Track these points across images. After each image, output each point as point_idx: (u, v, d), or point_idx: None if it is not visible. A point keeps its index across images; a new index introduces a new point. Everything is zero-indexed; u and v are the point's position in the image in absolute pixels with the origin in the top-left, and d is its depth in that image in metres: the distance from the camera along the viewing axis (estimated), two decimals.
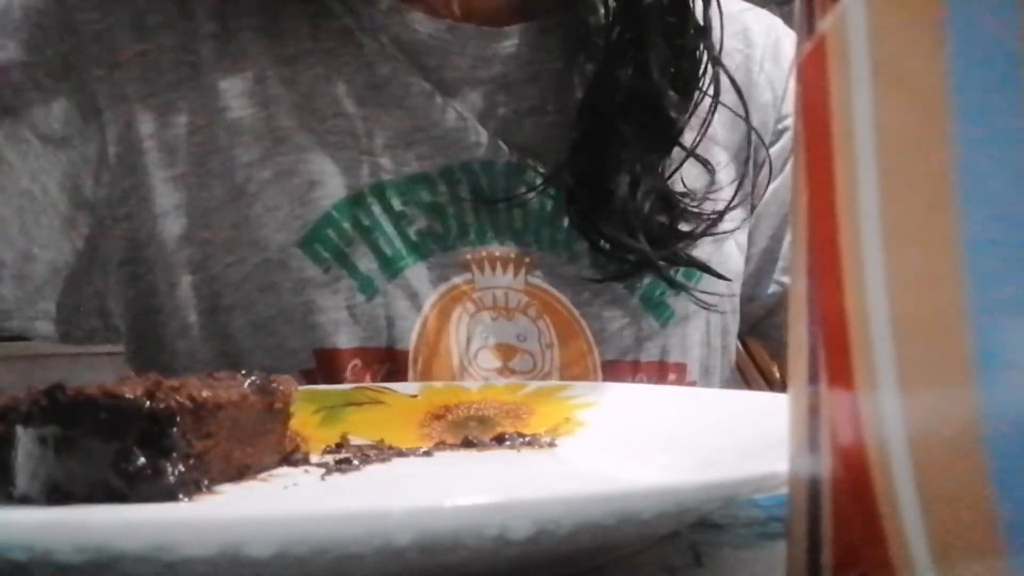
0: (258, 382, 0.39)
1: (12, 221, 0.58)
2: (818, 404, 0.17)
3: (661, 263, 0.60)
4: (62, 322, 0.61)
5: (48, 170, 0.58)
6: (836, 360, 0.17)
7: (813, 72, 0.17)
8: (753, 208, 0.67)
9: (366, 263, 0.57)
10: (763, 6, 0.72)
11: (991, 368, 0.14)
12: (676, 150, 0.61)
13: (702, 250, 0.62)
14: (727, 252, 0.65)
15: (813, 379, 0.18)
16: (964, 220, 0.15)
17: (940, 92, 0.15)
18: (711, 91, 0.61)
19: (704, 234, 0.61)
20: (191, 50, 0.59)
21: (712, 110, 0.61)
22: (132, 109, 0.58)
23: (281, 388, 0.41)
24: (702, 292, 0.62)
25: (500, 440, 0.46)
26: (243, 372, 0.40)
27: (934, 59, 0.15)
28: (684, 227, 0.60)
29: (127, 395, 0.33)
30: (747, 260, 0.68)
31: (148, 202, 0.58)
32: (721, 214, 0.61)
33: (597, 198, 0.59)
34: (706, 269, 0.61)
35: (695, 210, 0.61)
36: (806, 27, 0.18)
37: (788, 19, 0.73)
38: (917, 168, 0.15)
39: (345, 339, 0.57)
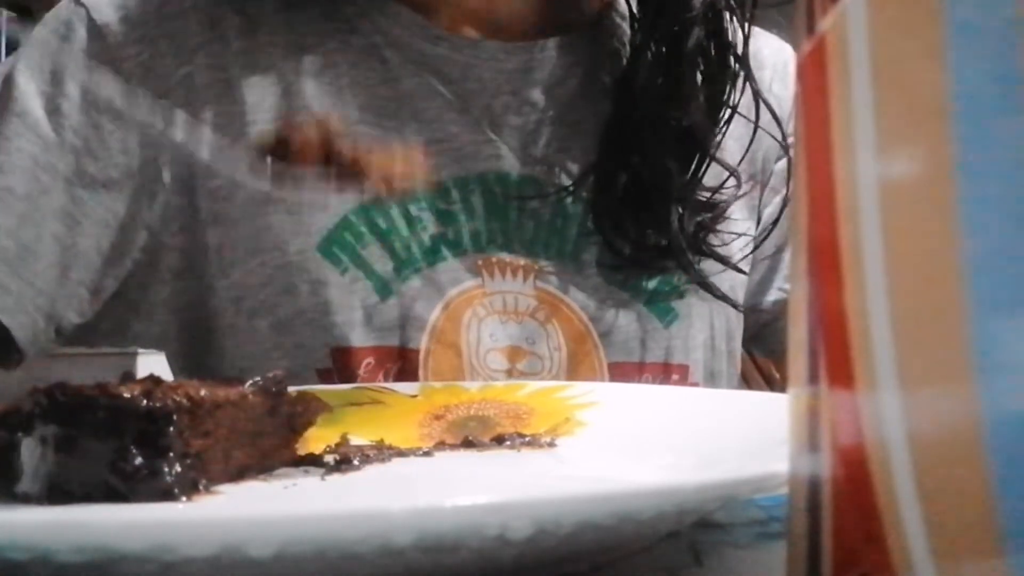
0: (260, 382, 0.39)
1: (90, 247, 0.60)
2: (818, 404, 0.17)
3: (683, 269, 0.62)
4: (115, 328, 0.62)
5: (114, 198, 0.60)
6: (836, 360, 0.17)
7: (813, 72, 0.17)
8: (759, 220, 0.69)
9: (381, 265, 0.59)
10: (761, 6, 0.73)
11: (991, 368, 0.14)
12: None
13: (707, 263, 0.64)
14: (733, 260, 0.66)
15: (813, 379, 0.17)
16: (964, 220, 0.15)
17: (940, 92, 0.15)
18: (735, 105, 0.63)
19: (711, 229, 0.63)
20: (223, 67, 0.61)
21: (751, 138, 0.64)
22: (181, 131, 0.60)
23: (297, 403, 0.41)
24: (702, 297, 0.64)
25: (500, 440, 0.46)
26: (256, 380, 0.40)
27: (934, 59, 0.15)
28: (702, 237, 0.63)
29: (125, 395, 0.33)
30: (751, 269, 0.70)
31: (195, 216, 0.61)
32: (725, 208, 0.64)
33: (623, 209, 0.61)
34: (723, 261, 0.63)
35: (712, 220, 0.63)
36: (806, 27, 0.18)
37: (788, 20, 0.74)
38: (917, 168, 0.15)
39: (360, 338, 0.59)
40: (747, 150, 0.65)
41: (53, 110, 0.59)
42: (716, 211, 0.63)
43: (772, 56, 0.71)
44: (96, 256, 0.60)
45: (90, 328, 0.62)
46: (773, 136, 0.66)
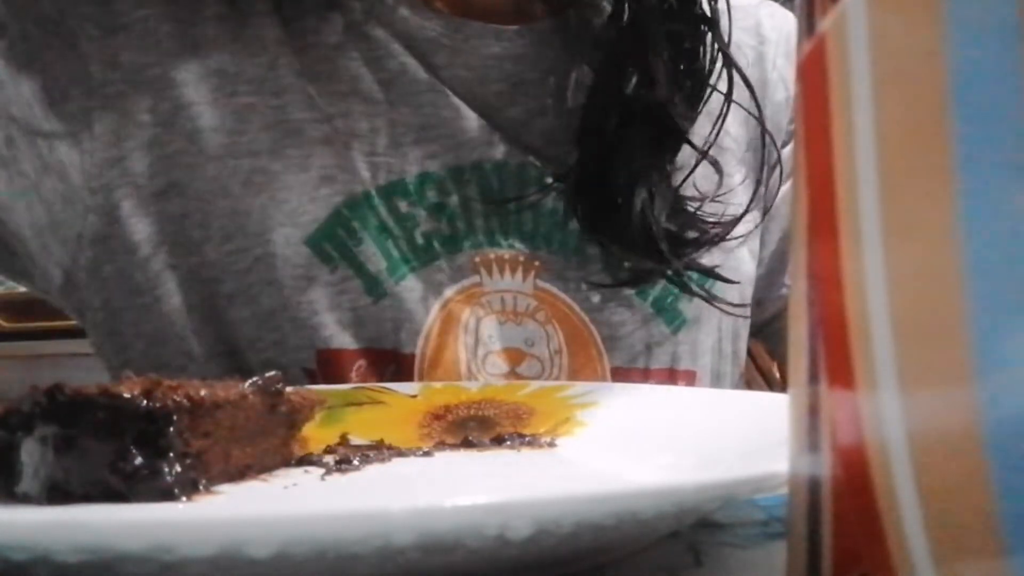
0: (260, 382, 0.39)
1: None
2: (818, 404, 0.17)
3: (670, 269, 0.58)
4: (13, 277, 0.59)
5: (19, 126, 0.55)
6: (836, 360, 0.17)
7: (813, 72, 0.17)
8: (766, 211, 0.66)
9: (374, 264, 0.56)
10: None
11: (991, 368, 0.14)
12: (689, 152, 0.60)
13: (712, 255, 0.61)
14: (739, 256, 0.64)
15: (813, 379, 0.17)
16: (964, 220, 0.15)
17: (940, 92, 0.15)
18: (721, 87, 0.59)
19: (719, 239, 0.60)
20: (194, 25, 0.57)
21: (725, 110, 0.60)
22: (125, 78, 0.56)
23: (292, 397, 0.41)
24: (714, 299, 0.61)
25: (500, 440, 0.46)
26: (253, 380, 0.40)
27: (934, 59, 0.15)
28: (694, 232, 0.59)
29: (125, 395, 0.33)
30: (758, 263, 0.67)
31: (135, 176, 0.56)
32: (736, 220, 0.60)
33: (603, 202, 0.58)
34: (713, 275, 0.60)
35: (705, 217, 0.59)
36: (806, 27, 0.18)
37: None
38: (917, 168, 0.15)
39: (350, 340, 0.56)
40: (716, 129, 0.59)
41: None
42: (717, 225, 0.59)
43: (774, 30, 0.68)
44: None
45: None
46: (752, 115, 0.62)
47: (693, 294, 0.60)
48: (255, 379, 0.39)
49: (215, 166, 0.56)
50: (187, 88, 0.57)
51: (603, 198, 0.58)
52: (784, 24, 0.68)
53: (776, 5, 0.70)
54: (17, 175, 0.56)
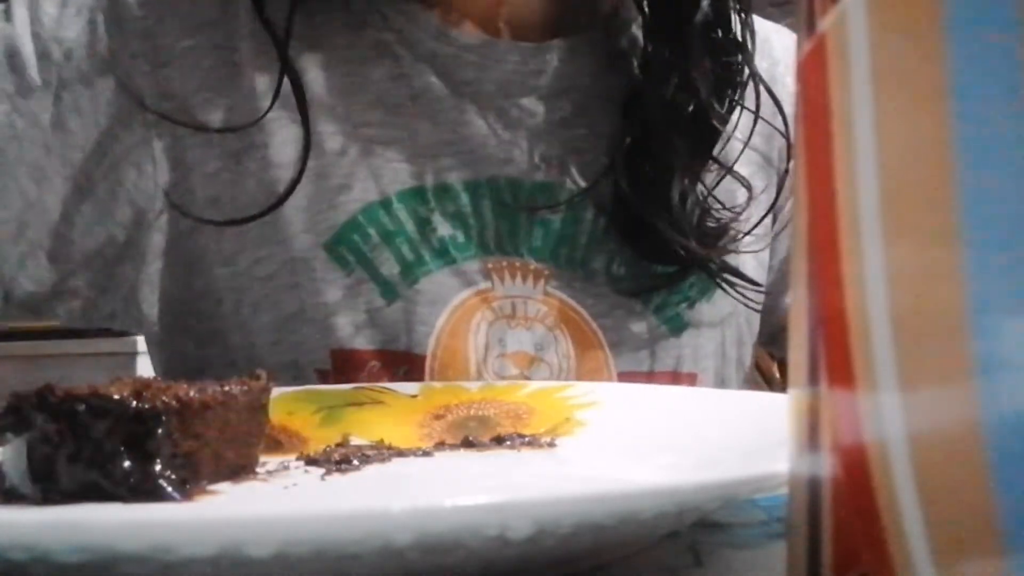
0: (244, 382, 0.39)
1: (55, 207, 0.58)
2: (818, 404, 0.17)
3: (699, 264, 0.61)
4: (87, 302, 0.61)
5: (93, 160, 0.58)
6: (836, 360, 0.17)
7: (813, 72, 0.17)
8: (774, 220, 0.68)
9: (388, 268, 0.58)
10: (761, 6, 0.72)
11: (991, 368, 0.14)
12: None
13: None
14: (747, 265, 0.66)
15: (813, 379, 0.17)
16: (964, 220, 0.15)
17: (940, 92, 0.15)
18: (749, 103, 0.62)
19: (740, 239, 0.62)
20: (232, 47, 0.60)
21: (748, 123, 0.63)
22: (176, 105, 0.59)
23: (260, 384, 0.40)
24: (713, 305, 0.63)
25: (500, 440, 0.46)
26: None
27: (934, 59, 0.15)
28: (716, 235, 0.62)
29: (114, 396, 0.33)
30: (768, 271, 0.69)
31: (190, 195, 0.59)
32: (760, 219, 0.63)
33: (639, 208, 0.60)
34: (738, 274, 0.63)
35: (729, 219, 0.62)
36: (806, 27, 0.18)
37: (788, 20, 0.74)
38: (917, 168, 0.15)
39: (363, 341, 0.58)
40: (726, 141, 0.63)
41: (44, 54, 0.57)
42: (727, 210, 0.62)
43: (784, 51, 0.70)
44: (59, 218, 0.57)
45: (86, 313, 0.61)
46: (779, 130, 0.65)
47: (719, 278, 0.62)
48: (240, 378, 0.39)
49: (251, 180, 0.59)
50: (224, 110, 0.59)
51: (638, 206, 0.60)
52: (792, 45, 0.70)
53: (784, 28, 0.73)
54: (97, 207, 0.58)
